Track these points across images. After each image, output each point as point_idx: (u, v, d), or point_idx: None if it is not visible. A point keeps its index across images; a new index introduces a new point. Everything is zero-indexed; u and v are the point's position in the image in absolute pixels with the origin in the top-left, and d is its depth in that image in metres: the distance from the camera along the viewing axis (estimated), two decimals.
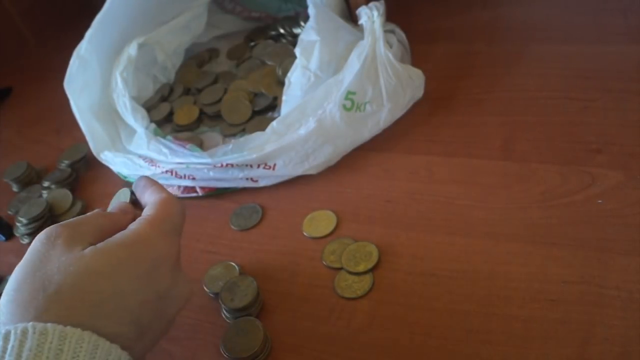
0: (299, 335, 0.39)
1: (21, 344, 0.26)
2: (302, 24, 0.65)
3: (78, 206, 0.56)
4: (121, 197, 0.41)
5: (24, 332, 0.26)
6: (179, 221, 0.36)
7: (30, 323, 0.27)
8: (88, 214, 0.35)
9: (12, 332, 0.26)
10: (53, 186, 0.59)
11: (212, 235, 0.49)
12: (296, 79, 0.51)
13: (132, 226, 0.33)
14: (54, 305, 0.28)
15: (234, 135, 0.57)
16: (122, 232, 0.33)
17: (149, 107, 0.62)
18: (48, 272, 0.29)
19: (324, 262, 0.43)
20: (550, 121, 0.49)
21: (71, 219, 0.34)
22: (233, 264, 0.45)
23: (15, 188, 0.61)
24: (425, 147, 0.51)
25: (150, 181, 0.38)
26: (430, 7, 0.68)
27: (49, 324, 0.27)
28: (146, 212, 0.35)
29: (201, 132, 0.60)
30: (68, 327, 0.27)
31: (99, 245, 0.31)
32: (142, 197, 0.38)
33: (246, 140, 0.50)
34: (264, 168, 0.49)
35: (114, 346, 0.28)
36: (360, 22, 0.52)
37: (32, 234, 0.55)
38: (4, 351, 0.26)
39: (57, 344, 0.26)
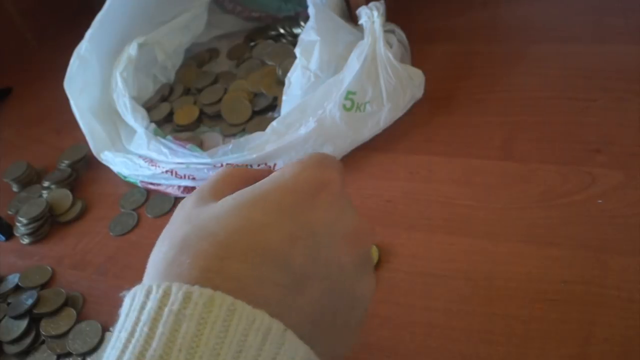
0: None
1: (143, 306, 0.21)
2: (302, 24, 0.65)
3: (78, 206, 0.56)
4: None
5: (148, 292, 0.21)
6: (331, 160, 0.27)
7: (156, 282, 0.21)
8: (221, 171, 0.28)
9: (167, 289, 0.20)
10: (53, 186, 0.59)
11: None
12: (296, 79, 0.51)
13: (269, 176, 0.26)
14: (179, 257, 0.22)
15: (234, 135, 0.57)
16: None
17: (149, 107, 0.62)
18: (178, 228, 0.24)
19: None
20: (550, 121, 0.49)
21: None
22: None
23: (15, 188, 0.61)
24: (425, 147, 0.51)
25: None
26: (430, 7, 0.68)
27: (174, 283, 0.21)
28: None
29: (201, 132, 0.60)
30: (195, 287, 0.20)
31: (232, 195, 0.25)
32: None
33: (246, 140, 0.50)
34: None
35: (259, 312, 0.21)
36: (360, 22, 0.52)
37: (32, 234, 0.55)
38: (161, 308, 0.20)
39: (180, 307, 0.20)
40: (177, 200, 0.53)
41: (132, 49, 0.60)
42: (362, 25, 0.52)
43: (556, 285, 0.37)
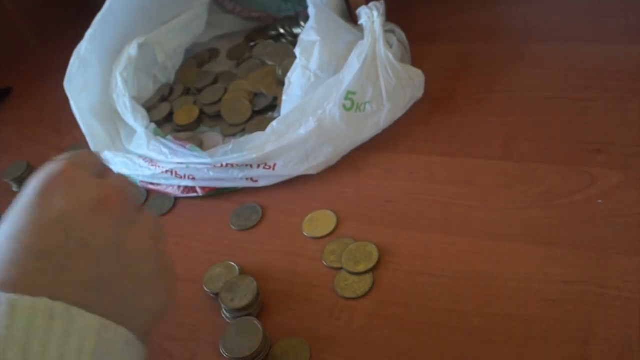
0: (299, 335, 0.39)
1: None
2: (302, 24, 0.65)
3: None
4: None
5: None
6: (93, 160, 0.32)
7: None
8: None
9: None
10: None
11: (212, 235, 0.49)
12: (296, 79, 0.51)
13: None
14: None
15: (234, 135, 0.57)
16: None
17: (149, 107, 0.62)
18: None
19: (324, 262, 0.43)
20: (550, 121, 0.49)
21: None
22: (233, 263, 0.45)
23: (15, 188, 0.61)
24: (425, 147, 0.51)
25: None
26: (430, 7, 0.68)
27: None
28: None
29: (201, 132, 0.60)
30: (57, 303, 0.25)
31: None
32: None
33: (246, 140, 0.50)
34: (264, 168, 0.49)
35: (121, 328, 0.26)
36: (360, 22, 0.52)
37: None
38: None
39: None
40: (177, 200, 0.54)
41: (132, 49, 0.60)
42: (362, 25, 0.52)
43: (556, 285, 0.37)
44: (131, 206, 0.32)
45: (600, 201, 0.42)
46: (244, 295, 0.41)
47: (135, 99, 0.58)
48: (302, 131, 0.48)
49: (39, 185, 0.30)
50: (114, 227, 0.29)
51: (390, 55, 0.50)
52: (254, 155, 0.48)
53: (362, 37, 0.51)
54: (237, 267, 0.45)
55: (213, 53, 0.70)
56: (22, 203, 0.29)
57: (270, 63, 0.62)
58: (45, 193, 0.29)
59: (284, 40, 0.67)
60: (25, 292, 0.25)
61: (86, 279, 0.27)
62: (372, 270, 0.42)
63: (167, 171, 0.51)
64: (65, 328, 0.24)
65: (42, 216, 0.28)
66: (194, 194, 0.53)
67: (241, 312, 0.41)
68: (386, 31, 0.53)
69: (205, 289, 0.44)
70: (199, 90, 0.63)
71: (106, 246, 0.28)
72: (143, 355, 0.28)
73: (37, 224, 0.28)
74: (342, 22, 0.55)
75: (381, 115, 0.51)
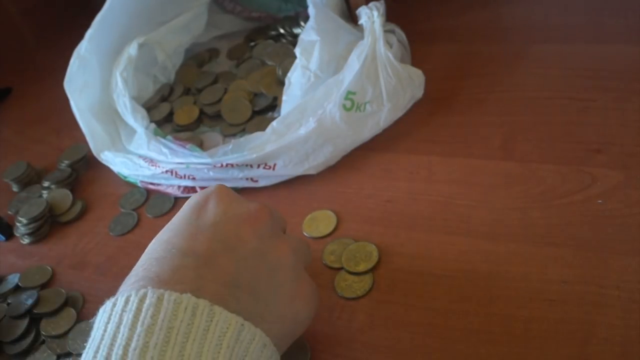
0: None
1: (157, 309, 0.26)
2: (302, 24, 0.65)
3: (78, 206, 0.56)
4: None
5: (160, 299, 0.26)
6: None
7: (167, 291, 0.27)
8: None
9: (149, 294, 0.27)
10: (53, 186, 0.59)
11: None
12: (296, 79, 0.51)
13: None
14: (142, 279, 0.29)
15: (234, 135, 0.57)
16: None
17: (149, 107, 0.62)
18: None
19: (324, 262, 0.43)
20: (550, 121, 0.49)
21: None
22: None
23: (15, 188, 0.61)
24: (425, 147, 0.51)
25: None
26: (430, 7, 0.68)
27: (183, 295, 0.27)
28: None
29: (201, 132, 0.60)
30: (200, 300, 0.27)
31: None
32: None
33: (246, 140, 0.50)
34: (264, 168, 0.49)
35: (259, 330, 0.28)
36: (360, 22, 0.52)
37: (32, 234, 0.55)
38: (139, 311, 0.26)
39: (208, 319, 0.27)
40: (177, 200, 0.54)
41: (132, 49, 0.60)
42: (362, 25, 0.52)
43: (556, 285, 0.37)
44: (277, 224, 0.35)
45: (600, 201, 0.42)
46: None
47: (135, 99, 0.58)
48: (302, 131, 0.48)
49: (194, 200, 0.34)
50: (259, 238, 0.32)
51: (390, 55, 0.50)
52: (254, 155, 0.48)
53: (362, 37, 0.51)
54: None
55: (213, 53, 0.70)
56: (179, 216, 0.33)
57: (270, 63, 0.62)
58: (199, 207, 0.33)
59: (284, 40, 0.67)
60: (172, 285, 0.27)
61: (228, 279, 0.30)
62: (372, 270, 0.42)
63: (167, 171, 0.51)
64: (206, 324, 0.26)
65: (195, 225, 0.32)
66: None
67: None
68: (386, 31, 0.53)
69: None
70: (199, 90, 0.63)
71: (250, 252, 0.32)
72: None
73: (190, 231, 0.31)
74: (342, 22, 0.55)
75: (381, 115, 0.51)
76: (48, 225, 0.56)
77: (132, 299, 0.27)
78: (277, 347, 0.30)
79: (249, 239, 0.32)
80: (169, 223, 0.33)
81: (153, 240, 0.32)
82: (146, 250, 0.31)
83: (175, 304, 0.26)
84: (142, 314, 0.26)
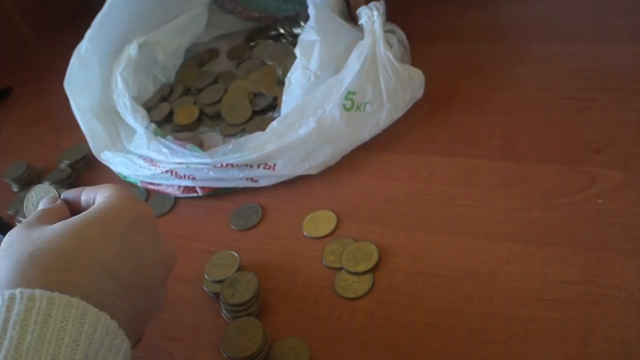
0: (299, 335, 0.39)
1: (9, 309, 0.26)
2: (302, 24, 0.65)
3: None
4: (40, 195, 0.40)
5: (12, 298, 0.26)
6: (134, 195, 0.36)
7: (18, 289, 0.27)
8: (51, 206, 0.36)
9: None
10: (53, 186, 0.59)
11: (212, 235, 0.49)
12: (296, 79, 0.51)
13: (95, 205, 0.33)
14: (29, 269, 0.28)
15: (234, 135, 0.57)
16: (86, 210, 0.33)
17: (149, 107, 0.62)
18: (21, 247, 0.30)
19: (324, 262, 0.43)
20: (550, 121, 0.49)
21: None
22: (234, 253, 0.46)
23: (15, 188, 0.61)
24: (425, 147, 0.51)
25: (77, 189, 0.37)
26: (430, 7, 0.68)
27: (36, 290, 0.27)
28: (101, 196, 0.34)
29: (201, 132, 0.60)
30: (56, 293, 0.27)
31: (65, 220, 0.32)
32: (78, 199, 0.37)
33: (246, 140, 0.50)
34: (264, 168, 0.49)
35: (103, 313, 0.28)
36: (360, 22, 0.52)
37: None
38: None
39: (45, 309, 0.26)
40: (177, 200, 0.54)
41: (132, 49, 0.60)
42: (362, 25, 0.52)
43: (556, 285, 0.37)
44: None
45: (600, 201, 0.42)
46: (245, 291, 0.41)
47: (135, 99, 0.58)
48: (302, 131, 0.48)
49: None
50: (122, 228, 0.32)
51: (390, 55, 0.50)
52: (254, 155, 0.48)
53: (362, 37, 0.51)
54: (237, 255, 0.45)
55: (213, 53, 0.70)
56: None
57: (270, 63, 0.62)
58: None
59: (284, 40, 0.67)
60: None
61: (132, 313, 0.31)
62: (372, 270, 0.42)
63: (167, 171, 0.51)
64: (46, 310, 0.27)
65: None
66: (194, 194, 0.53)
67: (242, 308, 0.41)
68: (386, 31, 0.53)
69: (205, 288, 0.44)
70: (199, 90, 0.63)
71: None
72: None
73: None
74: (342, 22, 0.55)
75: (381, 115, 0.51)
76: None
77: (56, 302, 0.27)
78: (134, 320, 0.31)
79: (156, 280, 0.34)
80: (96, 218, 0.32)
81: (72, 228, 0.31)
82: (62, 235, 0.31)
83: (97, 320, 0.27)
84: (70, 323, 0.27)
